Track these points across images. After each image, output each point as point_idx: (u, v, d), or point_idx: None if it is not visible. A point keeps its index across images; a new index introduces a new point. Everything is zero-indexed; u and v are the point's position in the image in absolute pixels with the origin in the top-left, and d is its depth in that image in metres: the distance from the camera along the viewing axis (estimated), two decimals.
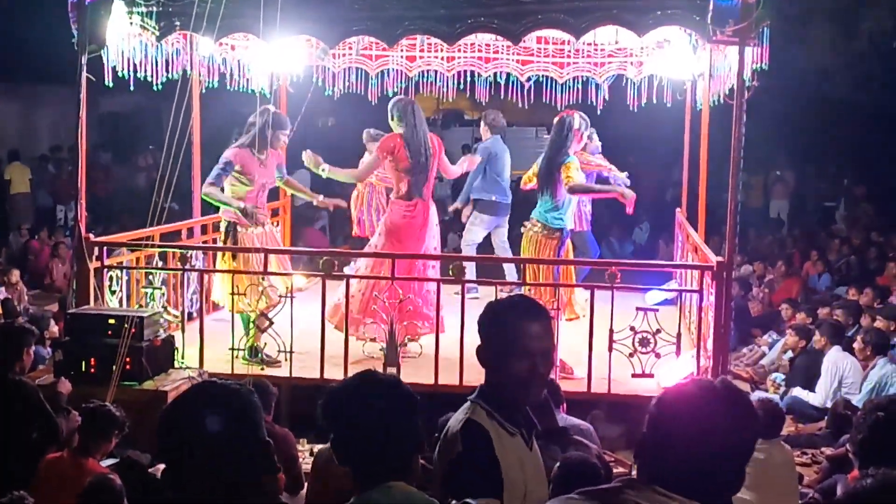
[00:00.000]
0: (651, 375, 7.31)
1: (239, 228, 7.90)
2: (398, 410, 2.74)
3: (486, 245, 11.00)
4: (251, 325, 7.80)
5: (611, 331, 7.29)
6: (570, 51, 10.37)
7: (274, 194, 9.78)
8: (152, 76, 8.13)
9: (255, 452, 2.35)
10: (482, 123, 11.00)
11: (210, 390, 2.43)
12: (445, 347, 7.51)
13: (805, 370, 9.44)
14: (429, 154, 8.11)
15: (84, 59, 7.37)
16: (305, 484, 6.01)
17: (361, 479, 2.72)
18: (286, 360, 7.54)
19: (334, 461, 2.80)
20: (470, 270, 9.95)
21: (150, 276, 8.26)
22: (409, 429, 2.75)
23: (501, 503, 2.84)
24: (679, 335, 7.39)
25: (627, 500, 2.25)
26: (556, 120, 7.96)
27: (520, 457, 3.00)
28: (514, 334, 3.00)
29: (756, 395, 9.08)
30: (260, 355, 7.77)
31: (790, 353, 9.91)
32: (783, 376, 9.75)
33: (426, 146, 8.11)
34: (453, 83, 10.67)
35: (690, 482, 2.22)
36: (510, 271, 10.04)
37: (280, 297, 7.70)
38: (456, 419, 3.03)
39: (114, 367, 6.48)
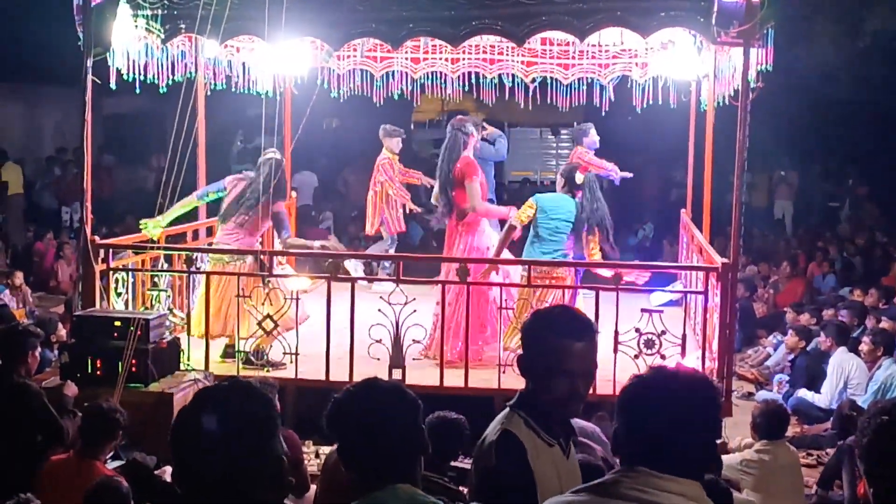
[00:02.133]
0: None
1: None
2: (401, 416, 2.73)
3: None
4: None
5: (616, 332, 7.29)
6: (574, 52, 10.38)
7: None
8: (157, 78, 8.14)
9: (269, 466, 2.36)
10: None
11: (227, 398, 2.39)
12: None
13: (805, 371, 9.43)
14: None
15: (89, 62, 7.39)
16: (312, 486, 6.02)
17: (366, 483, 2.72)
18: (291, 361, 7.55)
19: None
20: None
21: (156, 279, 8.27)
22: (412, 434, 2.75)
23: None
24: (684, 336, 7.38)
25: (624, 489, 2.32)
26: None
27: (557, 467, 2.99)
28: (556, 353, 2.95)
29: (760, 396, 9.09)
30: (265, 357, 7.78)
31: (792, 355, 9.92)
32: (787, 377, 9.75)
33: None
34: (458, 85, 10.68)
35: (667, 462, 2.32)
36: None
37: (286, 299, 7.70)
38: (493, 428, 3.01)
39: (120, 370, 6.49)
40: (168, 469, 6.02)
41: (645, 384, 2.41)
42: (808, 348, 9.78)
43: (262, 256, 7.77)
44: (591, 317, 7.33)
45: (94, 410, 5.66)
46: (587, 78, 10.61)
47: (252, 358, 7.74)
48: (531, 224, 8.05)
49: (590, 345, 2.99)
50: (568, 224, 8.04)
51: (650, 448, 2.32)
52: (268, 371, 7.59)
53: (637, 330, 7.34)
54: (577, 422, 5.44)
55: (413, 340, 7.89)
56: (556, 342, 2.95)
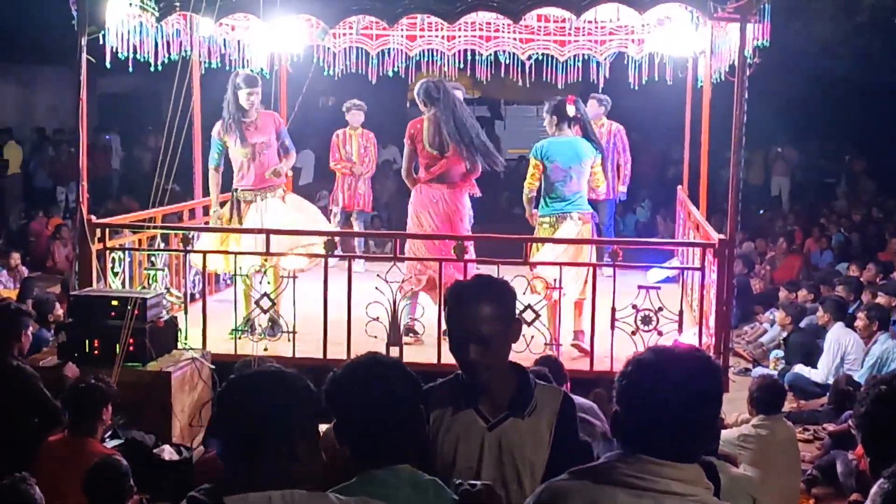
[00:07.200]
0: None
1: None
2: (400, 395, 2.69)
3: None
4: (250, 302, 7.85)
5: (613, 309, 7.29)
6: (570, 29, 10.33)
7: None
8: (152, 57, 8.10)
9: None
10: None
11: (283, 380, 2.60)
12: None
13: (800, 347, 9.46)
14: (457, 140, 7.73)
15: (84, 41, 7.33)
16: None
17: (361, 459, 2.70)
18: (289, 340, 7.54)
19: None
20: None
21: (153, 258, 8.26)
22: (410, 413, 2.71)
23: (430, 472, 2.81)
24: (681, 313, 7.38)
25: (620, 475, 2.29)
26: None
27: (458, 433, 3.03)
28: (458, 319, 3.03)
29: (757, 372, 9.12)
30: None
31: (786, 333, 9.94)
32: (782, 353, 9.78)
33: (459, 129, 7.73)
34: (454, 62, 10.65)
35: (670, 445, 2.28)
36: None
37: (283, 277, 7.70)
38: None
39: (117, 349, 6.48)
40: (166, 447, 6.04)
41: (643, 367, 2.35)
42: (802, 325, 9.81)
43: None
44: (588, 293, 7.38)
45: (76, 385, 5.65)
46: (583, 55, 10.57)
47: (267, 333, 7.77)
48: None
49: (493, 308, 3.00)
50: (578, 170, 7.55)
51: (650, 434, 2.28)
52: (266, 349, 7.57)
53: (634, 307, 7.34)
54: (576, 398, 5.46)
55: (411, 318, 7.90)
56: (456, 307, 3.04)
